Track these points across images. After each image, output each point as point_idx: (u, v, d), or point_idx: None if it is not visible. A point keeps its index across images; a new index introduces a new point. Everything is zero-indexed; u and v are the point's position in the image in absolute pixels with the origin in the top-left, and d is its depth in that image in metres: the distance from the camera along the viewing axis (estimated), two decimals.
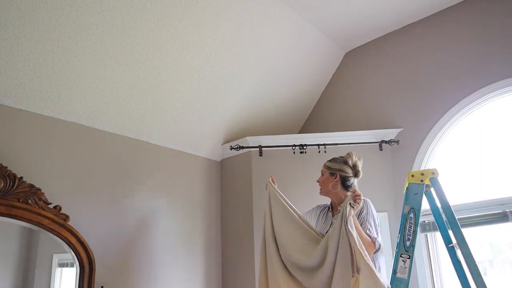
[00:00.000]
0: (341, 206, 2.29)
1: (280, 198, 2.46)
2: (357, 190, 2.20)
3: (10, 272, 2.31)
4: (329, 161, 2.47)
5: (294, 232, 2.35)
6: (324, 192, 2.46)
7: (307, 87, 3.76)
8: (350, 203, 2.09)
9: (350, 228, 2.01)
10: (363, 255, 1.96)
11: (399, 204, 3.04)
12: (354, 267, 1.97)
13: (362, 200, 2.22)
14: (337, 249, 2.05)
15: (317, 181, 2.48)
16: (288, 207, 2.42)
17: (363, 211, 2.26)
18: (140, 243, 2.87)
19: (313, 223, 2.49)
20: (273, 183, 2.56)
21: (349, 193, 2.28)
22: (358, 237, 2.03)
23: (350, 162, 2.42)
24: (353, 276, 1.98)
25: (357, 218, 2.21)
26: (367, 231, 2.21)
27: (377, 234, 2.23)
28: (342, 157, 2.47)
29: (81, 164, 2.66)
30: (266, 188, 2.56)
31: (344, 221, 2.04)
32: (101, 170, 2.76)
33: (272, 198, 2.49)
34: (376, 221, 2.30)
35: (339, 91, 3.81)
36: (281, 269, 2.29)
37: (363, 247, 2.01)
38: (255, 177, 3.26)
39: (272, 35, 3.16)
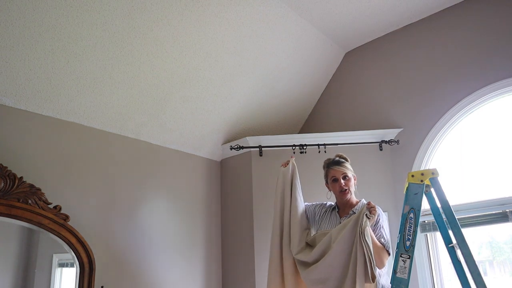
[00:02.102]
0: (352, 210, 2.32)
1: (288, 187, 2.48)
2: (371, 202, 2.20)
3: (10, 272, 2.31)
4: (346, 162, 2.43)
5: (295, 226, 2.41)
6: (350, 195, 2.40)
7: (307, 87, 3.76)
8: (366, 215, 2.11)
9: (367, 239, 2.06)
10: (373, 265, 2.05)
11: (399, 204, 3.04)
12: (369, 275, 2.02)
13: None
14: (345, 255, 2.12)
15: (346, 186, 2.38)
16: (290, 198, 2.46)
17: (378, 219, 2.27)
18: (140, 243, 2.87)
19: (312, 219, 2.49)
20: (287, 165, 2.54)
21: (361, 202, 2.37)
22: (372, 247, 2.09)
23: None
24: (366, 282, 2.03)
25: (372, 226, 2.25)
26: (382, 239, 2.23)
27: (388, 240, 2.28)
28: (345, 158, 2.46)
29: (81, 164, 2.66)
30: (288, 165, 2.54)
31: (361, 232, 2.07)
32: (101, 170, 2.76)
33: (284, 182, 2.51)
34: (387, 227, 2.33)
35: (339, 91, 3.81)
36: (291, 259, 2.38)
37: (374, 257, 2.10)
38: (255, 177, 3.25)
39: (272, 35, 3.16)
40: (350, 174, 2.40)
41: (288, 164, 2.55)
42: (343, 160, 2.44)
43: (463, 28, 3.08)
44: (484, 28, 2.97)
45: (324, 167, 2.52)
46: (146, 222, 2.94)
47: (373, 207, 2.15)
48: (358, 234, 2.09)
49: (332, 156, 2.51)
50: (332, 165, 2.44)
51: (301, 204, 2.48)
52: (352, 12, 3.21)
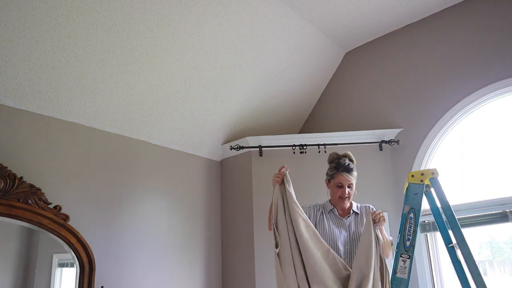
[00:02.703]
0: (353, 210, 2.36)
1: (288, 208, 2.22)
2: (373, 211, 2.21)
3: (10, 272, 2.31)
4: (355, 170, 2.34)
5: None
6: (348, 201, 2.37)
7: (307, 87, 3.76)
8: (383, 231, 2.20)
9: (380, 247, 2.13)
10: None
11: (399, 204, 3.04)
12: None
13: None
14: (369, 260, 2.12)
15: (348, 194, 2.32)
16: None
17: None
18: (140, 243, 2.87)
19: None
20: (282, 180, 2.27)
21: (355, 204, 2.38)
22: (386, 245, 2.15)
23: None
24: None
25: None
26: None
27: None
28: (354, 160, 2.37)
29: (81, 164, 2.66)
30: (282, 181, 2.28)
31: (375, 239, 2.11)
32: (101, 170, 2.76)
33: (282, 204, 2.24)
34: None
35: (339, 91, 3.81)
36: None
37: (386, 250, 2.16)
38: (255, 177, 3.26)
39: (272, 35, 3.16)
40: (354, 182, 2.35)
41: (282, 180, 2.32)
42: (353, 167, 2.34)
43: (463, 28, 3.08)
44: (484, 28, 2.97)
45: (331, 164, 2.39)
46: (146, 222, 2.94)
47: (379, 215, 2.15)
48: (375, 244, 2.11)
49: (340, 152, 2.39)
50: (343, 171, 2.32)
51: (306, 223, 2.25)
52: (352, 12, 3.21)
